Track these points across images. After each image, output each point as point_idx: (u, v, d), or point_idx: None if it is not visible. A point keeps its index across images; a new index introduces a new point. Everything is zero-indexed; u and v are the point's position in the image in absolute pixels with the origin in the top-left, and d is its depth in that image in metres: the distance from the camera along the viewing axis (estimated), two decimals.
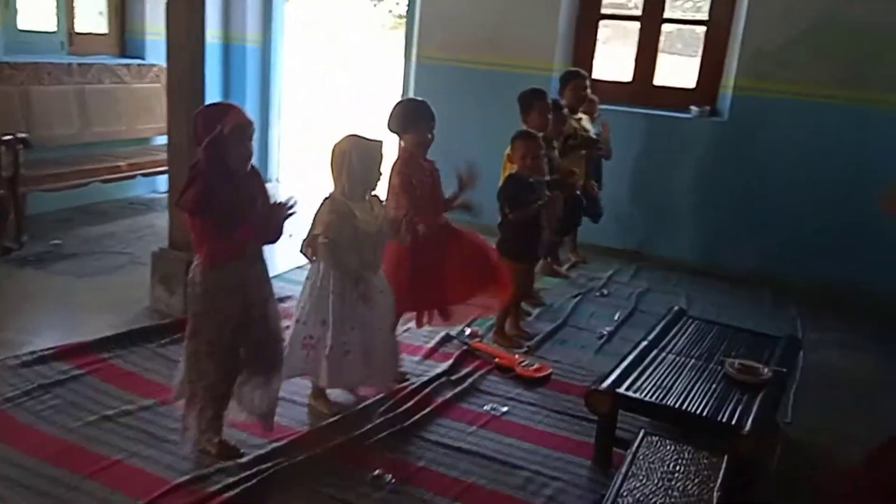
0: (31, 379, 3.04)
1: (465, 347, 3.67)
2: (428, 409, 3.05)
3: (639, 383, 2.74)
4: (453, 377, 3.37)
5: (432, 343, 3.70)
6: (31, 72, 5.09)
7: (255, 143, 2.51)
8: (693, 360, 2.97)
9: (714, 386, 2.75)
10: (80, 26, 5.80)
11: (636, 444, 2.40)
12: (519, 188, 3.68)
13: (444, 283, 3.26)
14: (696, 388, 2.72)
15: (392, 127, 3.32)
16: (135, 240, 5.03)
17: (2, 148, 4.41)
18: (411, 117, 3.27)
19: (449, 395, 3.21)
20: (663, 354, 3.01)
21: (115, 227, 5.27)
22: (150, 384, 3.12)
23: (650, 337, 3.14)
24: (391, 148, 3.32)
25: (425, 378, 3.30)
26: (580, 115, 4.75)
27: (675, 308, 3.54)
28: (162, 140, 5.83)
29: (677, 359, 2.98)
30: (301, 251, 2.89)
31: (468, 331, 3.87)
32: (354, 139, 2.82)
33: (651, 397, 2.64)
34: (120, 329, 3.55)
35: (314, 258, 2.88)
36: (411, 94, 6.09)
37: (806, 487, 2.77)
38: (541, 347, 3.81)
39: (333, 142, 2.87)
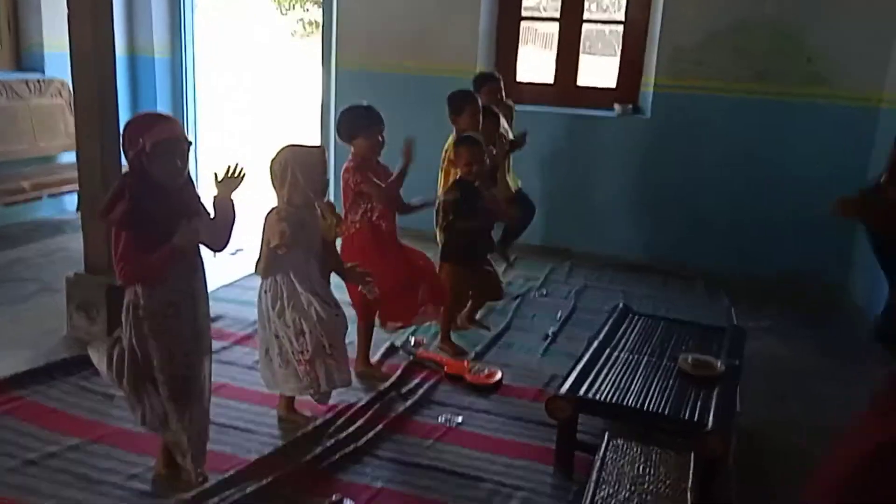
0: None
1: (410, 358, 3.56)
2: (380, 426, 2.92)
3: (597, 385, 2.69)
4: (403, 390, 3.25)
5: (377, 356, 3.57)
6: None
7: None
8: (646, 358, 2.95)
9: (670, 382, 2.74)
10: None
11: (602, 449, 2.35)
12: (466, 194, 3.61)
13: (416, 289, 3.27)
14: (653, 386, 2.70)
15: (341, 134, 3.27)
16: (46, 264, 4.69)
17: None
18: (359, 123, 3.23)
19: (400, 409, 3.09)
20: (616, 353, 2.98)
21: (22, 253, 4.90)
22: (75, 421, 2.88)
23: (600, 336, 3.11)
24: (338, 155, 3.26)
25: (374, 393, 3.17)
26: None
27: (620, 305, 3.53)
28: (68, 157, 5.52)
29: (630, 357, 2.95)
30: (257, 272, 2.73)
31: (413, 340, 3.76)
32: (293, 149, 2.69)
33: (612, 399, 2.59)
34: (37, 363, 3.27)
35: (269, 273, 2.73)
36: (332, 102, 5.97)
37: (763, 477, 2.79)
38: (487, 352, 3.74)
39: (268, 156, 2.73)
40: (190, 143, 2.36)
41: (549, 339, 3.96)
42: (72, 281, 3.62)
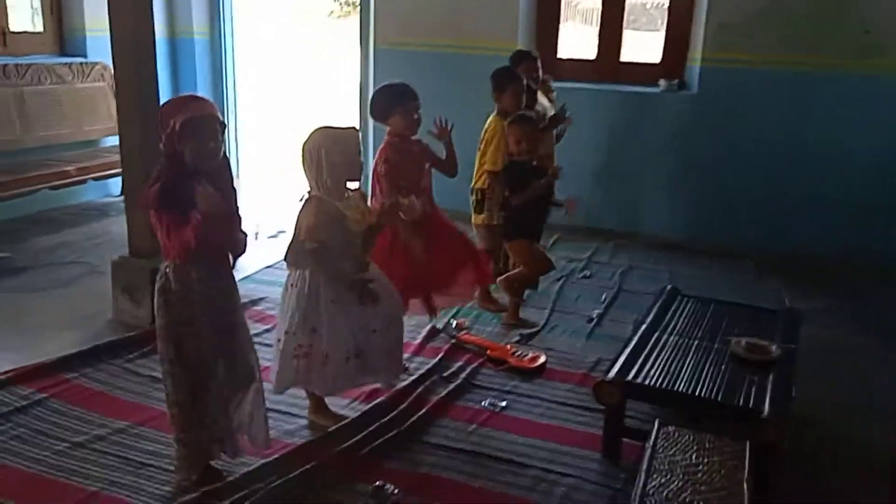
0: None
1: (453, 341, 3.51)
2: (423, 411, 2.89)
3: (645, 370, 2.61)
4: (445, 374, 3.21)
5: (419, 339, 3.53)
6: None
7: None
8: (696, 342, 2.86)
9: (723, 367, 2.64)
10: (14, 25, 5.43)
11: (653, 437, 2.27)
12: (520, 173, 3.60)
13: (432, 267, 3.19)
14: (705, 371, 2.61)
15: (375, 114, 3.21)
16: (91, 248, 4.75)
17: None
18: (394, 100, 3.17)
19: (443, 393, 3.05)
20: (665, 337, 2.90)
21: (68, 236, 4.97)
22: (122, 404, 2.90)
23: (649, 319, 3.02)
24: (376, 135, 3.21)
25: (416, 377, 3.13)
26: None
27: (668, 287, 3.43)
28: (112, 141, 5.55)
29: (680, 340, 2.86)
30: (286, 260, 2.68)
31: (455, 322, 3.72)
32: (325, 132, 2.61)
33: (661, 384, 2.52)
34: (83, 346, 3.30)
35: (297, 265, 2.68)
36: (370, 82, 5.91)
37: (815, 462, 2.70)
38: (532, 336, 3.67)
39: (301, 138, 2.65)
40: (223, 123, 2.31)
41: (594, 322, 3.88)
42: (117, 264, 3.64)
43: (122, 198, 4.48)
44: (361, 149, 2.64)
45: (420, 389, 3.04)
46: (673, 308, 3.18)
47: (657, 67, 5.49)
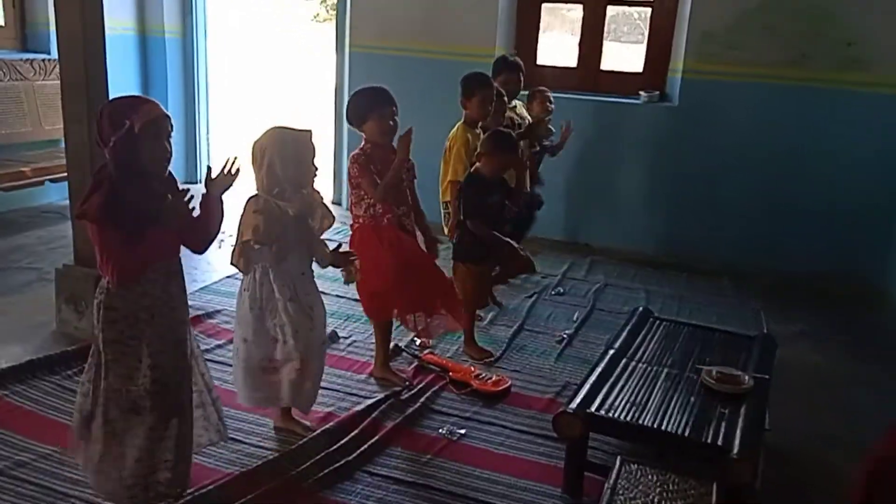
0: None
1: (416, 362, 3.34)
2: (375, 438, 2.71)
3: (610, 400, 2.45)
4: (404, 396, 3.03)
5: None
6: None
7: (177, 143, 2.15)
8: (666, 369, 2.70)
9: (692, 399, 2.49)
10: None
11: (613, 476, 2.11)
12: (480, 190, 3.38)
13: (423, 284, 3.03)
14: (673, 403, 2.45)
15: (350, 118, 3.04)
16: (46, 252, 4.54)
17: None
18: (369, 105, 2.98)
19: (399, 418, 2.87)
20: (633, 364, 2.74)
21: (24, 240, 4.76)
22: (51, 425, 2.70)
23: (617, 344, 2.86)
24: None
25: (372, 400, 2.96)
26: (514, 102, 4.42)
27: (640, 309, 3.28)
28: None
29: (649, 368, 2.71)
30: (232, 263, 2.52)
31: (418, 341, 3.54)
32: (277, 132, 2.47)
33: (626, 416, 2.35)
34: (21, 359, 3.10)
35: (247, 269, 2.53)
36: (346, 85, 5.75)
37: (796, 499, 2.55)
38: (498, 358, 3.50)
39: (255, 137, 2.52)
40: (172, 125, 2.15)
41: (564, 342, 3.71)
42: (61, 272, 3.45)
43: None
44: (315, 154, 2.48)
45: (375, 414, 2.86)
46: (644, 332, 3.03)
47: (638, 77, 5.36)
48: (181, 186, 2.17)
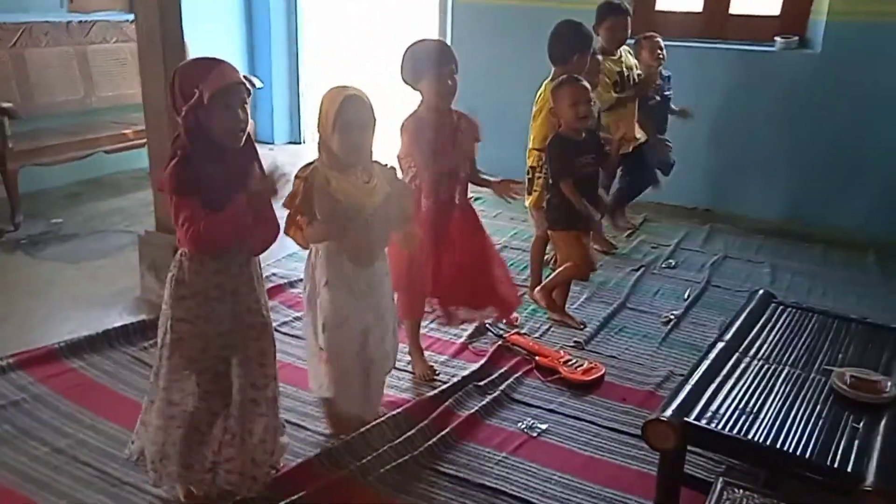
0: None
1: (500, 342, 3.05)
2: (446, 430, 2.46)
3: (714, 406, 2.07)
4: (482, 382, 2.76)
5: (464, 337, 3.10)
6: (25, 33, 4.61)
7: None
8: (787, 369, 2.27)
9: (818, 408, 2.06)
10: None
11: (713, 500, 1.76)
12: (566, 150, 3.04)
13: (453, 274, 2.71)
14: (792, 413, 2.04)
15: (404, 77, 2.70)
16: (145, 216, 4.49)
17: None
18: (424, 62, 2.64)
19: (475, 407, 2.60)
20: (747, 360, 2.32)
21: (125, 202, 4.81)
22: (120, 400, 2.62)
23: (728, 336, 2.45)
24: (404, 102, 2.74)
25: (447, 385, 2.71)
26: (618, 51, 3.96)
27: (760, 291, 2.82)
28: None
29: (766, 367, 2.28)
30: (285, 232, 2.31)
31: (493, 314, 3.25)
32: (334, 92, 2.20)
33: (731, 429, 1.97)
34: (102, 326, 3.07)
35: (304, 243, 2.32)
36: (449, 41, 5.43)
37: None
38: (593, 339, 3.16)
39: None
40: (250, 91, 1.99)
41: (671, 323, 3.30)
42: (143, 239, 3.39)
43: None
44: (373, 119, 2.20)
45: (449, 402, 2.61)
46: (763, 320, 2.59)
47: (774, 21, 4.73)
48: (262, 154, 2.02)
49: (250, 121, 2.00)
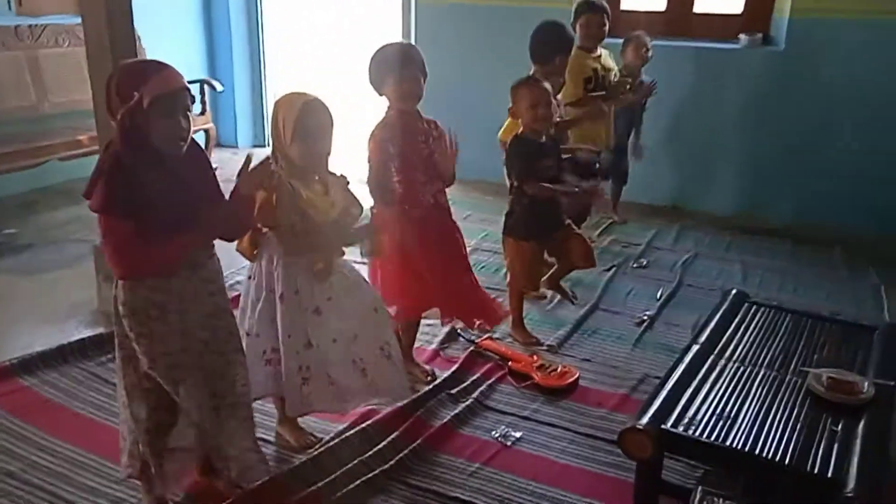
0: None
1: (471, 347, 2.99)
2: (418, 442, 2.38)
3: (691, 412, 2.02)
4: (454, 390, 2.69)
5: (434, 344, 3.02)
6: None
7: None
8: (763, 371, 2.24)
9: (795, 410, 2.03)
10: None
11: None
12: (529, 153, 2.95)
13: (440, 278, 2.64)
14: (770, 416, 2.00)
15: (371, 82, 2.61)
16: None
17: None
18: (390, 65, 2.54)
19: (448, 416, 2.53)
20: (722, 363, 2.29)
21: (82, 210, 4.44)
22: (76, 420, 2.51)
23: (702, 338, 2.41)
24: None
25: (418, 394, 2.63)
26: (598, 51, 3.92)
27: (733, 291, 2.80)
28: None
29: (741, 369, 2.25)
30: (237, 249, 2.23)
31: (477, 322, 3.18)
32: (290, 97, 2.12)
33: (709, 435, 1.92)
34: (56, 342, 2.94)
35: (254, 253, 2.23)
36: (413, 41, 5.36)
37: None
38: (566, 342, 3.10)
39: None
40: (193, 97, 1.88)
41: (645, 324, 3.27)
42: (98, 248, 3.26)
43: None
44: (331, 126, 2.12)
45: (420, 412, 2.53)
46: (737, 321, 2.56)
47: (737, 19, 4.73)
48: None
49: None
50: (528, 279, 3.07)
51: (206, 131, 5.37)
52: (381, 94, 2.58)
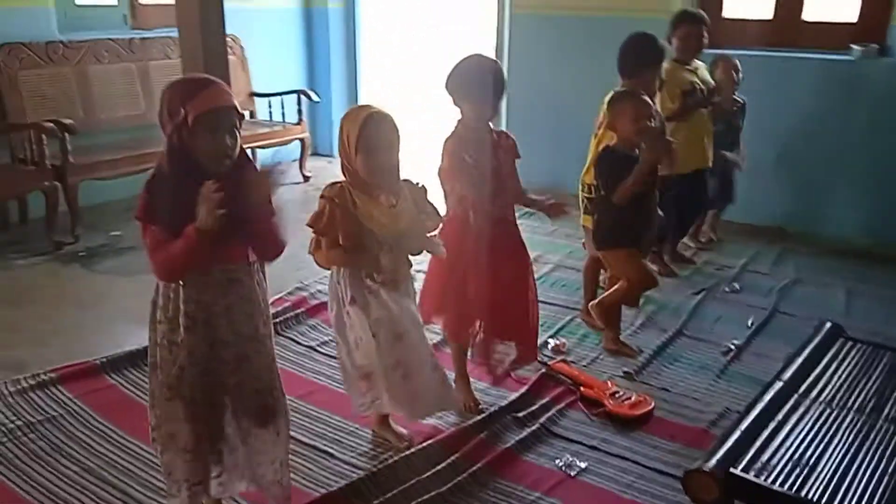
0: (19, 413, 2.61)
1: (543, 369, 2.91)
2: (478, 465, 2.33)
3: (765, 456, 1.89)
4: (521, 413, 2.62)
5: (506, 362, 2.95)
6: (87, 50, 4.75)
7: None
8: (851, 415, 2.07)
9: (884, 463, 1.86)
10: None
11: None
12: (617, 164, 2.87)
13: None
14: (854, 466, 1.84)
15: (449, 91, 2.58)
16: None
17: (42, 136, 4.08)
18: (470, 84, 2.51)
19: (511, 441, 2.47)
20: (806, 403, 2.13)
21: None
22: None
23: (786, 375, 2.25)
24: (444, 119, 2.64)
25: (484, 415, 2.58)
26: (695, 64, 3.76)
27: (827, 324, 2.60)
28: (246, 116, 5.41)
29: (827, 411, 2.09)
30: (309, 252, 2.25)
31: (552, 343, 3.12)
32: (355, 111, 2.15)
33: (783, 483, 1.78)
34: (143, 344, 3.06)
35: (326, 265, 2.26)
36: (506, 53, 5.32)
37: None
38: (644, 369, 2.98)
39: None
40: (242, 115, 1.90)
41: (731, 353, 3.09)
42: None
43: None
44: (397, 140, 2.12)
45: (484, 434, 2.49)
46: (828, 358, 2.37)
47: (850, 28, 4.43)
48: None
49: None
50: (645, 278, 3.01)
51: (302, 140, 5.54)
52: (456, 105, 2.56)
